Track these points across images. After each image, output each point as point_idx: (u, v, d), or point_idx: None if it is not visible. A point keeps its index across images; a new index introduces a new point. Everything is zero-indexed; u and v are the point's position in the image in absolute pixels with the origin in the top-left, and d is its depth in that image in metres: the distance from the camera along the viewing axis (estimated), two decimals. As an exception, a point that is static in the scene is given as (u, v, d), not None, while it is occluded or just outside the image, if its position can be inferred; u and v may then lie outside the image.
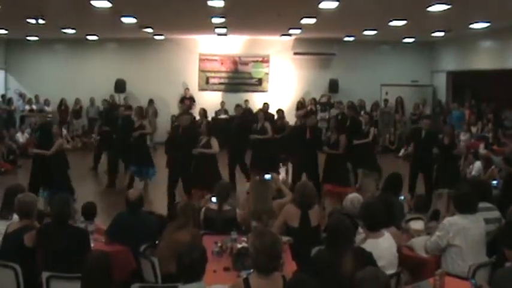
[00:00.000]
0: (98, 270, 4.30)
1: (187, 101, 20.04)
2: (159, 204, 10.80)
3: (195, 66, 20.98)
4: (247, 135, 12.63)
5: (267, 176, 7.32)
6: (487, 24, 14.41)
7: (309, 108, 19.83)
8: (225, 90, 21.06)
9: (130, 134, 12.42)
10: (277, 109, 15.13)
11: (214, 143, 10.17)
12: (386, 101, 20.18)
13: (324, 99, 20.26)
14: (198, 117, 13.44)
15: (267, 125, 12.77)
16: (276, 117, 14.96)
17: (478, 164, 13.20)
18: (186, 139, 10.35)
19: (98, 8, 12.03)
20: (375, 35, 17.38)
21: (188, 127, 10.65)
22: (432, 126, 11.94)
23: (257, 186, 6.82)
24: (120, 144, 12.87)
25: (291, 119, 17.27)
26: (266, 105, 16.08)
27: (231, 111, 18.89)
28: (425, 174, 11.20)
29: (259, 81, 21.14)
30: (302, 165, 11.24)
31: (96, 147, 15.36)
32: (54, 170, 9.93)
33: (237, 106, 14.17)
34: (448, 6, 11.34)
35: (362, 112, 19.67)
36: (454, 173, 10.82)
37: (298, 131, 11.89)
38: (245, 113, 14.37)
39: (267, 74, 21.11)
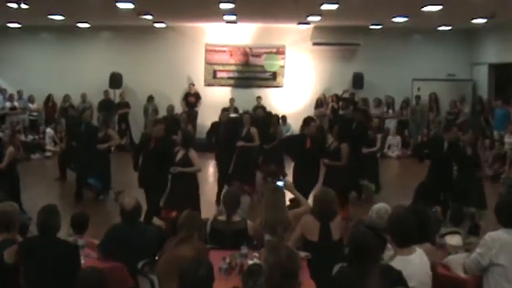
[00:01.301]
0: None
1: (191, 97, 20.11)
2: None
3: (201, 59, 21.06)
4: (234, 143, 12.22)
5: (280, 183, 7.29)
6: (536, 10, 14.35)
7: (330, 106, 19.85)
8: (235, 86, 21.14)
9: (93, 143, 12.23)
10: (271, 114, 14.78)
11: (194, 156, 9.56)
12: (418, 97, 20.15)
13: (346, 95, 20.24)
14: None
15: (254, 130, 12.24)
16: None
17: (525, 170, 13.17)
18: (160, 154, 9.91)
19: (90, -9, 12.14)
20: (405, 22, 17.36)
21: (162, 139, 10.23)
22: (466, 132, 11.17)
23: (269, 195, 6.80)
24: (81, 155, 12.59)
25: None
26: (260, 109, 15.89)
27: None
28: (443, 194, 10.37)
29: (274, 75, 21.17)
30: (300, 180, 10.29)
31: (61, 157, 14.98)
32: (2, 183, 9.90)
33: (224, 110, 13.79)
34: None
35: (390, 111, 19.73)
36: (478, 190, 10.15)
37: (295, 141, 11.43)
38: (231, 119, 13.86)
39: (282, 67, 21.12)
